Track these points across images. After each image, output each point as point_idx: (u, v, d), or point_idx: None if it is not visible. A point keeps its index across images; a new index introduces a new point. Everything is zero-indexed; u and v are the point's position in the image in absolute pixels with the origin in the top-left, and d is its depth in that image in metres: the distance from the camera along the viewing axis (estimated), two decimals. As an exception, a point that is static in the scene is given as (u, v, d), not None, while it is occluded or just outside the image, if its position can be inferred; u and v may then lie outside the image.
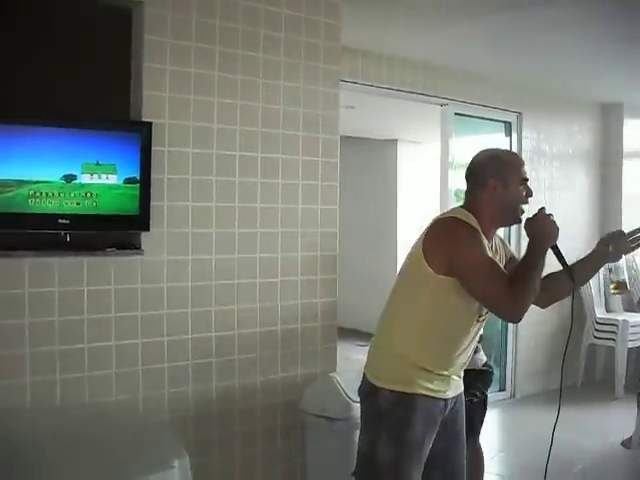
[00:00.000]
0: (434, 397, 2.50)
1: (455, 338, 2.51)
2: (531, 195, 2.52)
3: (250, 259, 3.66)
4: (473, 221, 2.45)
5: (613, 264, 2.61)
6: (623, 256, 2.69)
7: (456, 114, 5.85)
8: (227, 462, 3.63)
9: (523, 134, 6.40)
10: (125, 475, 2.47)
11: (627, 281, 2.36)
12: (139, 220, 3.28)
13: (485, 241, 2.44)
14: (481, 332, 2.66)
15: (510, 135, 6.38)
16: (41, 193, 3.04)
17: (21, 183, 3.00)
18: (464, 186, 2.59)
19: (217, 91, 3.52)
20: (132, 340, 3.30)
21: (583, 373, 6.76)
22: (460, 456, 2.67)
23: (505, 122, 6.36)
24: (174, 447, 2.67)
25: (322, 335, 3.95)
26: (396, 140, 8.95)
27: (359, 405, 3.57)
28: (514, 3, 4.06)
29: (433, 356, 2.49)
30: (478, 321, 2.52)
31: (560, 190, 6.71)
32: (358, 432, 3.55)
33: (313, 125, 3.87)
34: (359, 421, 3.55)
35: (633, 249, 2.61)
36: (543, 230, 2.37)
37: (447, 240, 2.39)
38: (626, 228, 2.68)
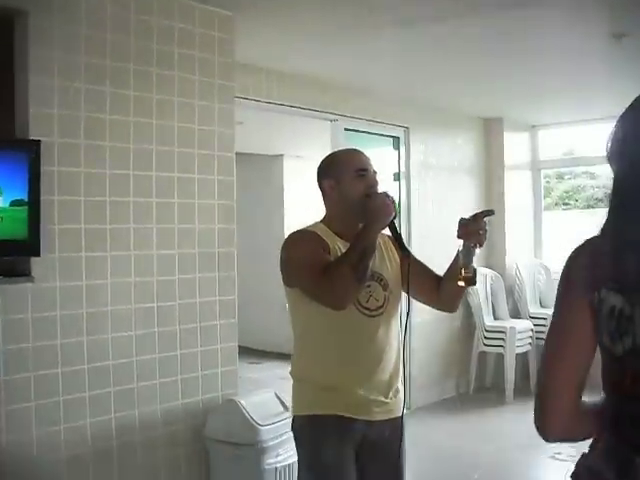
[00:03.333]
0: (350, 417, 2.37)
1: (347, 341, 2.39)
2: (373, 184, 2.45)
3: (147, 282, 3.52)
4: (319, 227, 2.49)
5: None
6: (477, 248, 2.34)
7: (346, 129, 5.87)
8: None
9: (411, 148, 6.50)
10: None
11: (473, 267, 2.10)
12: (28, 245, 3.07)
13: (339, 242, 2.43)
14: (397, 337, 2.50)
15: (399, 149, 6.47)
16: None
17: None
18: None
19: (109, 107, 3.36)
20: (24, 374, 3.08)
21: (474, 380, 6.93)
22: None
23: (394, 137, 6.45)
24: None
25: (222, 357, 3.84)
26: (282, 155, 8.91)
27: (266, 429, 3.54)
28: (402, 20, 4.10)
29: (332, 369, 2.39)
30: (368, 316, 2.39)
31: (447, 201, 6.86)
32: (265, 457, 3.51)
33: (208, 142, 3.78)
34: (267, 445, 3.51)
35: (481, 237, 2.31)
36: (376, 209, 2.32)
37: (281, 255, 2.43)
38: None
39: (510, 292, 7.23)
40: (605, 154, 1.42)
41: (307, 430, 2.42)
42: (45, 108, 3.15)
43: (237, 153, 8.54)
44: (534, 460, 5.22)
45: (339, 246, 2.42)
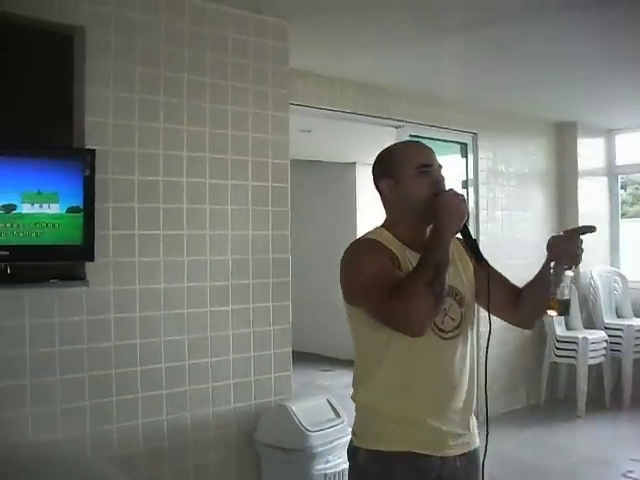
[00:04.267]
0: (423, 454, 2.05)
1: (419, 368, 2.07)
2: (440, 180, 2.11)
3: (200, 287, 3.58)
4: (382, 235, 2.13)
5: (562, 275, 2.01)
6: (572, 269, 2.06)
7: (411, 136, 5.84)
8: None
9: (479, 155, 6.41)
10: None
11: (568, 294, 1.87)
12: (83, 250, 3.18)
13: (407, 252, 2.09)
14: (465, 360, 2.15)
15: (466, 156, 6.40)
16: (-21, 224, 2.93)
17: (-42, 214, 2.90)
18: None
19: (163, 117, 3.45)
20: (79, 374, 3.18)
21: (545, 391, 6.76)
22: None
23: (461, 143, 6.37)
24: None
25: (276, 363, 3.87)
26: (354, 163, 8.94)
27: (316, 435, 3.54)
28: (464, 24, 4.07)
29: (402, 399, 2.07)
30: (444, 338, 2.08)
31: (517, 210, 6.74)
32: (314, 463, 3.51)
33: (262, 150, 3.82)
34: (316, 451, 3.52)
35: (577, 258, 2.04)
36: (446, 210, 1.99)
37: (341, 269, 2.10)
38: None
39: (584, 301, 7.02)
40: None
41: (372, 468, 2.08)
42: (100, 118, 3.26)
43: (310, 161, 8.68)
44: (605, 477, 5.05)
45: (408, 257, 2.07)
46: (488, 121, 6.43)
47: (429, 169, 2.10)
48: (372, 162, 2.25)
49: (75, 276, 3.23)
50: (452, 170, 6.25)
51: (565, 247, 2.02)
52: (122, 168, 3.33)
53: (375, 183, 2.21)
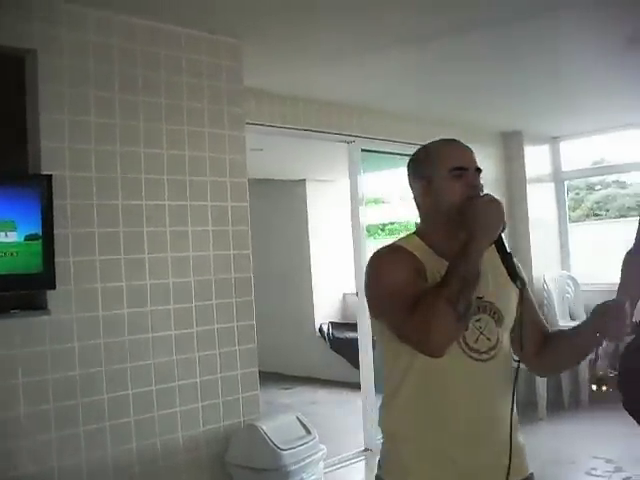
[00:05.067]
0: None
1: (450, 393, 1.86)
2: (475, 184, 1.92)
3: (164, 310, 3.55)
4: (412, 242, 1.96)
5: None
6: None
7: (363, 150, 5.89)
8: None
9: (429, 165, 6.47)
10: None
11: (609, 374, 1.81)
12: (44, 278, 3.11)
13: (438, 262, 1.88)
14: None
15: (418, 167, 6.44)
16: None
17: None
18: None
19: (119, 139, 3.42)
20: (44, 406, 3.11)
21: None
22: None
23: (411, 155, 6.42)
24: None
25: (243, 383, 3.85)
26: (304, 180, 8.97)
27: (288, 453, 3.52)
28: (407, 38, 4.13)
29: (432, 429, 1.87)
30: (477, 360, 1.87)
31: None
32: (287, 482, 3.49)
33: (220, 169, 3.81)
34: (289, 469, 3.50)
35: (622, 333, 1.88)
36: (480, 217, 1.81)
37: (365, 278, 1.93)
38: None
39: (539, 306, 7.10)
40: None
41: None
42: (56, 142, 3.22)
43: (260, 179, 8.67)
44: (570, 476, 5.13)
45: (438, 268, 1.84)
46: (437, 132, 6.46)
47: (464, 172, 1.92)
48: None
49: (37, 305, 3.16)
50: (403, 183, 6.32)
51: (615, 323, 1.85)
52: (80, 193, 3.28)
53: (409, 183, 2.03)
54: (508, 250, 1.86)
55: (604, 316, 1.86)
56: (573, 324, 2.01)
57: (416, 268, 1.86)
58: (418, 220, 2.03)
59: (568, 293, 7.27)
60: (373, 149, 6.01)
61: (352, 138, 5.81)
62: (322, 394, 8.03)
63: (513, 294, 1.96)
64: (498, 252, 1.85)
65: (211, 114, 3.79)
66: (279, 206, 9.28)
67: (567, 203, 7.82)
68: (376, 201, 9.56)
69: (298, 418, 3.80)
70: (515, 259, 1.90)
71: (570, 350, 1.99)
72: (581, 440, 5.90)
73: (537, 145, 7.55)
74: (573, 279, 7.36)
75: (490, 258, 1.87)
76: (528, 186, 7.35)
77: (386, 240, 6.13)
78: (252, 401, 3.89)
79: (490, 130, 7.17)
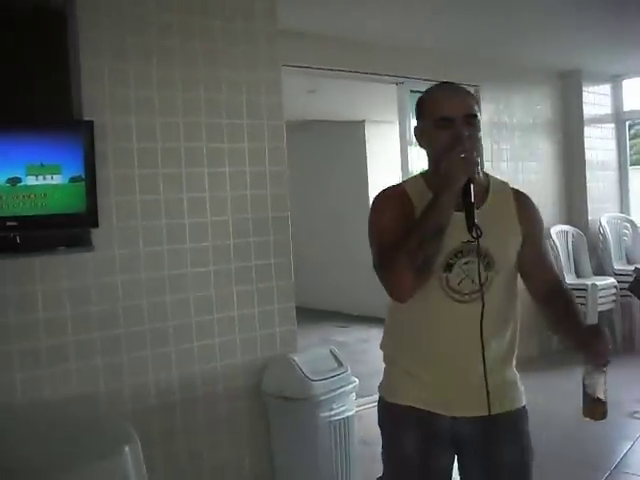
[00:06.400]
0: (430, 411, 2.02)
1: (433, 329, 2.02)
2: (458, 136, 1.88)
3: (201, 248, 3.72)
4: (414, 183, 2.06)
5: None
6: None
7: (412, 91, 5.88)
8: (193, 448, 3.69)
9: (482, 106, 6.44)
10: (77, 462, 2.54)
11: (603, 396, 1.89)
12: (87, 217, 3.32)
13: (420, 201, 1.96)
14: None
15: (469, 108, 6.40)
16: (-14, 198, 3.08)
17: (-35, 189, 3.05)
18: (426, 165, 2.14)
19: (156, 85, 3.56)
20: (90, 334, 3.35)
21: (557, 339, 6.84)
22: None
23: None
24: (125, 434, 2.74)
25: (280, 317, 4.01)
26: (363, 121, 8.99)
27: (319, 383, 3.69)
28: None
29: (418, 358, 2.06)
30: (460, 301, 1.98)
31: (523, 160, 6.78)
32: (319, 411, 3.66)
33: (257, 112, 3.92)
34: (319, 399, 3.67)
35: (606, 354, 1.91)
36: (446, 174, 1.86)
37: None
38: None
39: (594, 248, 7.07)
40: None
41: (386, 416, 2.14)
42: (97, 89, 3.38)
43: (318, 121, 8.73)
44: (612, 419, 5.14)
45: None
46: (490, 73, 6.45)
47: (450, 123, 1.91)
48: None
49: (81, 242, 3.39)
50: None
51: (596, 347, 1.90)
52: (120, 137, 3.45)
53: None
54: (472, 200, 1.88)
55: (591, 344, 1.90)
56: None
57: (404, 214, 1.96)
58: None
59: (625, 236, 7.18)
60: (423, 90, 5.97)
61: (401, 79, 5.82)
62: (374, 332, 8.18)
63: (511, 240, 2.04)
64: (462, 199, 1.88)
65: (246, 57, 3.87)
66: (338, 147, 9.36)
67: (628, 144, 7.64)
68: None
69: (331, 351, 3.94)
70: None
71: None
72: (629, 383, 5.88)
73: (597, 84, 7.36)
74: (632, 222, 7.25)
75: (500, 204, 2.02)
76: (586, 127, 7.20)
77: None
78: (289, 335, 4.05)
79: (546, 69, 7.02)
